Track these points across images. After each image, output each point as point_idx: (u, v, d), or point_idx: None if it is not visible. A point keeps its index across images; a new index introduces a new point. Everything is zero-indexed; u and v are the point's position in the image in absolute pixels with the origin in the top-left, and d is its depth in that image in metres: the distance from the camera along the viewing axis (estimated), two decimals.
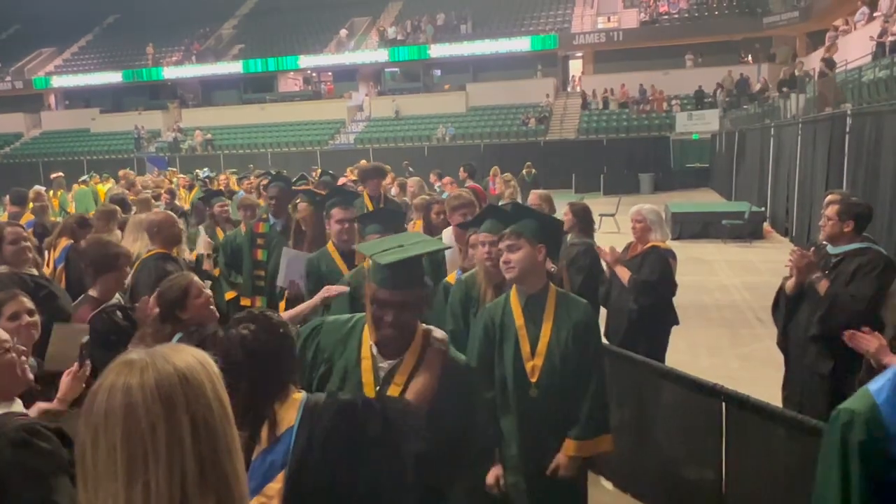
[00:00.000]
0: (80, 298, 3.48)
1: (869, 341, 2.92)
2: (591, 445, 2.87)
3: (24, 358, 2.18)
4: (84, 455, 1.06)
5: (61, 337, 2.81)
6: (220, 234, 6.29)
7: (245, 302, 5.53)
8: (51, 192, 12.76)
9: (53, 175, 13.91)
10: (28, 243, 3.85)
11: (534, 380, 2.84)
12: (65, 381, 2.53)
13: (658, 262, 4.49)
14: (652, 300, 4.48)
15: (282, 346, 2.05)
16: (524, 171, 19.05)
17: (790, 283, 3.92)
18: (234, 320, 2.11)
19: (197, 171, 15.85)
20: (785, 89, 15.26)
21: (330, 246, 4.21)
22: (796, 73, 18.80)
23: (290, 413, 1.96)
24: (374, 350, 2.24)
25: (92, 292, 3.39)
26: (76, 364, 2.58)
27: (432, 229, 5.22)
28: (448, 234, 4.68)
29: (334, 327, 2.35)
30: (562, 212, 4.91)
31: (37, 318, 2.72)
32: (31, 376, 2.22)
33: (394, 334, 2.18)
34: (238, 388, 1.98)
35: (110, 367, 1.10)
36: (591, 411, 2.84)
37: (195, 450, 1.06)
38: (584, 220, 4.90)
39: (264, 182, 7.85)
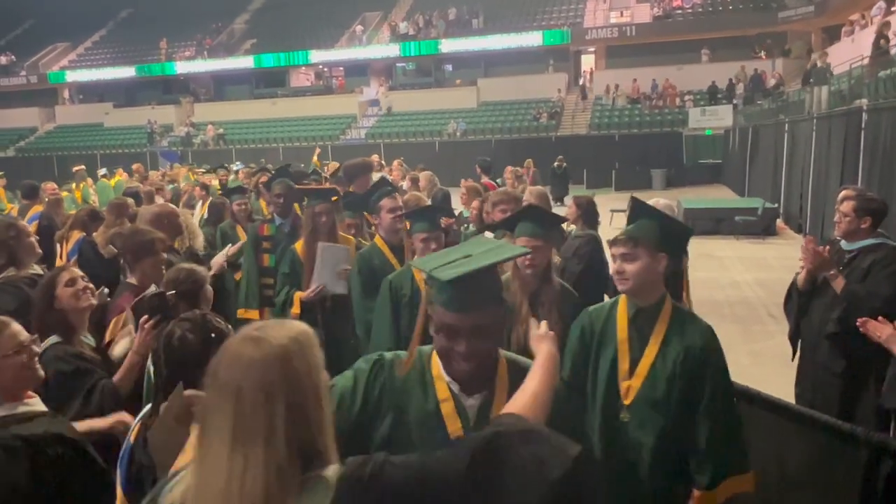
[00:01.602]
0: (119, 287, 3.47)
1: (882, 329, 2.96)
2: (727, 488, 2.43)
3: (35, 358, 2.20)
4: (204, 417, 1.25)
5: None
6: (242, 234, 5.78)
7: (251, 314, 4.89)
8: (73, 185, 12.88)
9: (76, 168, 14.02)
10: (33, 239, 3.86)
11: (627, 402, 2.48)
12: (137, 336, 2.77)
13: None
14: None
15: (208, 351, 1.79)
16: (555, 164, 19.21)
17: (801, 278, 3.89)
18: (177, 319, 2.08)
19: (229, 165, 15.58)
20: (812, 80, 14.65)
21: (378, 240, 4.14)
22: (819, 64, 18.31)
23: None
24: (454, 387, 1.78)
25: (131, 279, 3.42)
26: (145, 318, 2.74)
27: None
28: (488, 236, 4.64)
29: (399, 366, 1.85)
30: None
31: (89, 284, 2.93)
32: (41, 374, 2.23)
33: (470, 368, 1.71)
34: (158, 393, 1.99)
35: (234, 337, 1.31)
36: (719, 453, 2.41)
37: (290, 429, 1.21)
38: (588, 212, 4.92)
39: (262, 178, 7.37)
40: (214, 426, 1.22)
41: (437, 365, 1.81)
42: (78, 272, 2.93)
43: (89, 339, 2.98)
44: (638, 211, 2.64)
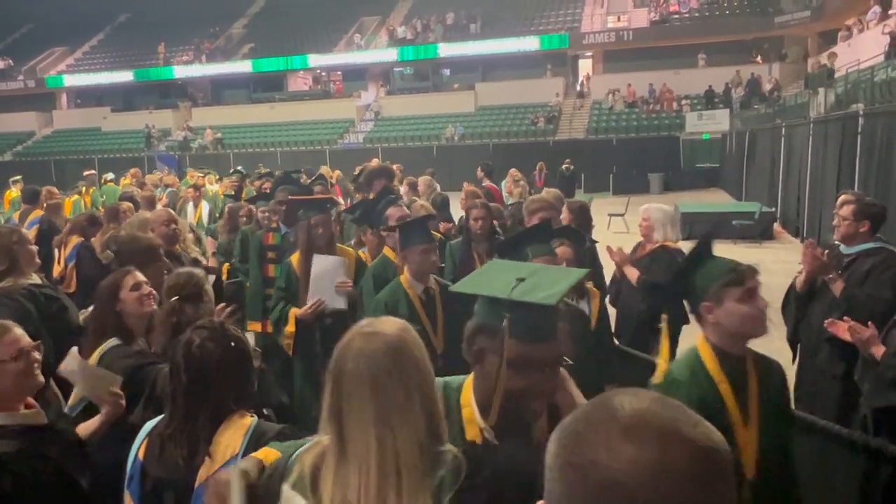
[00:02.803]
0: None
1: (862, 331, 2.99)
2: None
3: (36, 364, 2.17)
4: (339, 406, 1.43)
5: (93, 375, 2.60)
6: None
7: (255, 326, 4.82)
8: (83, 189, 12.88)
9: (86, 172, 14.04)
10: (34, 248, 3.83)
11: (750, 476, 2.10)
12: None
13: (666, 261, 4.47)
14: (661, 300, 4.46)
15: (228, 360, 1.95)
16: (563, 167, 19.53)
17: (800, 281, 3.89)
18: (192, 327, 2.07)
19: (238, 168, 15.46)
20: (822, 89, 14.31)
21: (388, 252, 4.04)
22: (828, 64, 18.03)
23: (234, 438, 1.87)
24: (488, 434, 1.61)
25: None
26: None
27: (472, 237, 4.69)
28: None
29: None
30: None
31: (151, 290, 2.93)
32: (41, 380, 2.19)
33: (544, 405, 1.56)
34: (175, 399, 1.95)
35: (348, 335, 1.50)
36: None
37: (423, 406, 1.41)
38: (581, 217, 4.93)
39: (266, 185, 7.27)
40: (353, 412, 1.40)
41: (469, 403, 1.66)
42: (142, 277, 2.90)
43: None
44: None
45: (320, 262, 4.01)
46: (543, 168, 17.82)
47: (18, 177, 13.31)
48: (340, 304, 4.02)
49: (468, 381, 1.71)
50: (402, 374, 1.41)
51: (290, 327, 4.11)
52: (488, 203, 5.14)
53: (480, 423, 1.62)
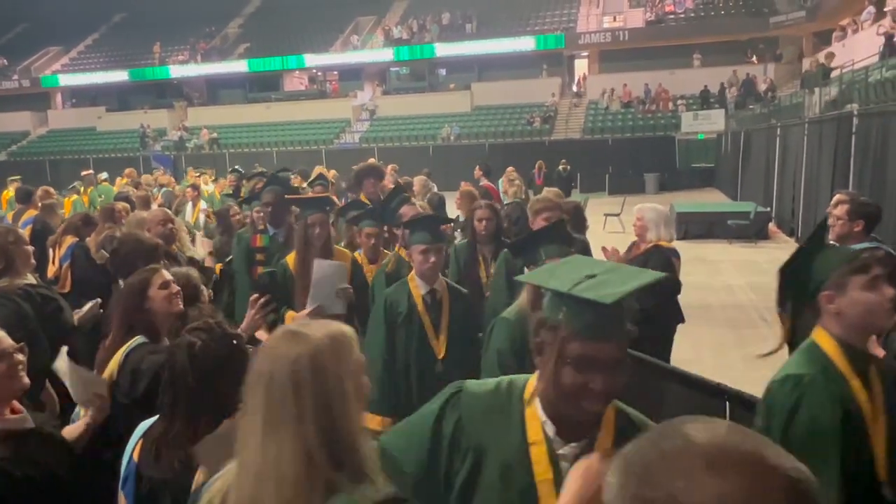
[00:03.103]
0: (115, 294, 3.36)
1: None
2: None
3: (20, 366, 2.11)
4: (245, 407, 1.34)
5: (80, 379, 2.59)
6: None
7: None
8: (82, 189, 12.86)
9: (84, 172, 14.03)
10: (30, 248, 3.82)
11: (883, 478, 2.00)
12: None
13: (660, 261, 4.49)
14: (655, 300, 4.47)
15: (231, 360, 1.96)
16: (560, 168, 19.72)
17: None
18: (187, 329, 2.05)
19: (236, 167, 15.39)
20: (818, 88, 14.19)
21: (402, 252, 4.02)
22: (827, 63, 17.92)
23: None
24: (549, 428, 1.56)
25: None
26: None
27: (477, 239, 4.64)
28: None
29: (481, 398, 1.63)
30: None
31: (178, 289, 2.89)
32: (25, 382, 2.13)
33: (602, 408, 1.51)
34: (177, 402, 1.93)
35: (277, 331, 1.41)
36: None
37: (319, 422, 1.29)
38: (575, 217, 4.95)
39: (259, 185, 6.76)
40: (250, 411, 1.33)
41: (531, 400, 1.59)
42: (169, 275, 2.86)
43: None
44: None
45: (322, 268, 3.92)
46: (543, 167, 18.09)
47: (17, 176, 13.26)
48: (339, 308, 3.95)
49: (532, 377, 1.62)
50: (301, 385, 1.30)
51: None
52: (493, 203, 5.09)
53: (542, 416, 1.56)
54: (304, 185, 8.29)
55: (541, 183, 18.40)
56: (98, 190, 13.60)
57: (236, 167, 14.18)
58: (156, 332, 2.72)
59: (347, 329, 1.42)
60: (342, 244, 4.83)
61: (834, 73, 15.59)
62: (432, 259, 3.37)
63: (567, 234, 3.21)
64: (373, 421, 3.16)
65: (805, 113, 13.98)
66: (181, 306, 2.83)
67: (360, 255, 4.52)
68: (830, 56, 18.54)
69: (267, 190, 4.94)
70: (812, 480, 0.66)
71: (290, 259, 4.12)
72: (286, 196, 4.96)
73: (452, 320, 3.46)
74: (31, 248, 3.72)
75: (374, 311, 3.55)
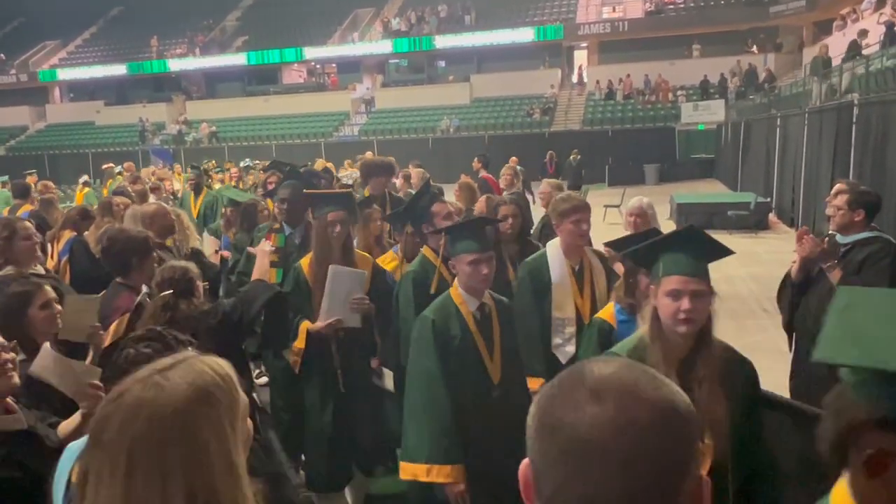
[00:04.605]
0: (112, 287, 3.40)
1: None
2: None
3: (9, 365, 2.06)
4: (91, 473, 1.07)
5: (74, 309, 2.85)
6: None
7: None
8: (98, 182, 12.86)
9: (105, 166, 14.03)
10: (38, 240, 3.86)
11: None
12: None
13: None
14: None
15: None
16: (571, 157, 19.95)
17: (795, 269, 3.89)
18: (131, 339, 1.94)
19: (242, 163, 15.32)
20: (841, 76, 13.86)
21: (427, 252, 3.66)
22: (827, 54, 17.63)
23: None
24: None
25: (125, 281, 3.36)
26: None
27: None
28: (556, 250, 3.63)
29: None
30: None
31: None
32: (15, 381, 2.08)
33: None
34: None
35: (138, 372, 1.11)
36: None
37: (186, 479, 1.03)
38: None
39: (272, 179, 6.63)
40: (103, 490, 1.03)
41: None
42: (53, 294, 2.76)
43: None
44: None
45: (337, 275, 3.53)
46: (553, 157, 18.19)
47: (33, 170, 13.17)
48: (355, 321, 3.62)
49: (839, 487, 1.19)
50: (171, 451, 1.03)
51: (300, 342, 3.60)
52: (518, 199, 4.79)
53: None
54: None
55: (553, 172, 18.89)
56: (116, 182, 13.63)
57: (247, 161, 14.14)
58: (34, 346, 2.58)
59: (222, 366, 1.14)
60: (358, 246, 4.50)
61: (844, 61, 15.46)
62: (484, 271, 2.89)
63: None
64: (441, 473, 2.77)
65: (813, 100, 13.82)
66: (60, 324, 2.73)
67: (389, 257, 4.23)
68: (824, 48, 18.42)
69: (284, 185, 4.53)
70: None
71: (305, 262, 3.75)
72: (305, 191, 4.55)
73: (504, 338, 3.03)
74: (32, 242, 3.72)
75: (415, 341, 2.97)
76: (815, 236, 3.94)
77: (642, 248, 2.26)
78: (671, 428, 0.74)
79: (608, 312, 2.91)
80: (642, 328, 2.22)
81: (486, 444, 2.81)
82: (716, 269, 2.63)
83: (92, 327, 2.89)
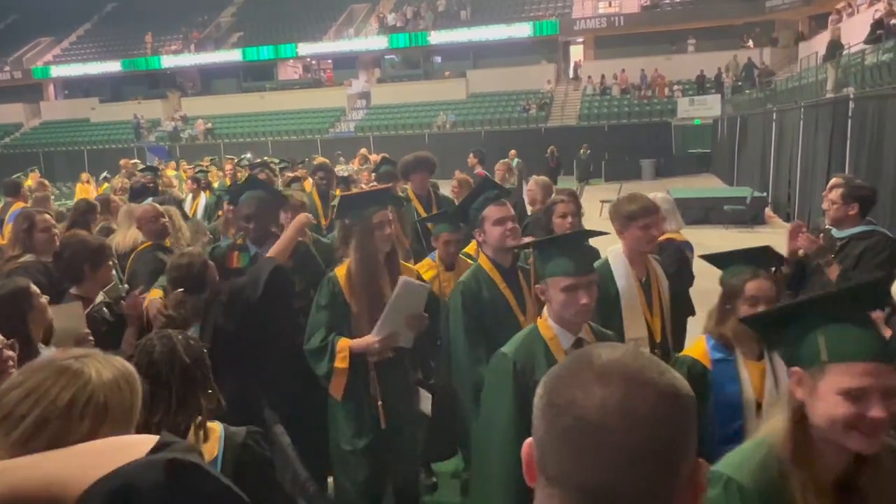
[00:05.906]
0: (66, 299, 3.14)
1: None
2: None
3: (10, 362, 2.03)
4: None
5: (63, 317, 2.79)
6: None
7: None
8: (113, 178, 12.87)
9: (123, 161, 14.02)
10: (56, 231, 3.86)
11: None
12: None
13: (675, 256, 4.26)
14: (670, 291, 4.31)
15: (200, 359, 1.97)
16: (581, 151, 20.88)
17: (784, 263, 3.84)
18: (147, 337, 2.00)
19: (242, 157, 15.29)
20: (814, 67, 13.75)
21: (484, 261, 3.15)
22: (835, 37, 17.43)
23: (209, 445, 1.85)
24: None
25: (77, 290, 3.15)
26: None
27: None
28: (619, 258, 3.15)
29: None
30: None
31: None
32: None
33: None
34: (157, 405, 1.87)
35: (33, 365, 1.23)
36: None
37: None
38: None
39: (261, 177, 5.86)
40: None
41: None
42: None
43: None
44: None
45: (408, 290, 3.09)
46: (555, 152, 18.35)
47: (34, 168, 13.16)
48: (408, 341, 3.18)
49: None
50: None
51: (343, 362, 3.09)
52: (576, 194, 4.40)
53: None
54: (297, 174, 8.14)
55: (555, 166, 19.08)
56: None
57: (248, 155, 14.10)
58: (32, 344, 2.49)
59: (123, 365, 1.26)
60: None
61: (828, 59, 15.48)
62: (583, 301, 2.26)
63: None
64: None
65: (828, 88, 13.55)
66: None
67: (426, 265, 3.84)
68: (836, 31, 18.31)
69: (246, 199, 3.67)
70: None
71: (341, 272, 3.22)
72: (343, 194, 3.94)
73: None
74: (51, 233, 3.74)
75: (493, 377, 2.38)
76: (812, 231, 3.94)
77: (782, 315, 1.49)
78: (674, 412, 0.77)
79: (700, 350, 2.35)
80: (765, 433, 1.48)
81: None
82: (707, 264, 2.60)
83: (82, 334, 2.78)
